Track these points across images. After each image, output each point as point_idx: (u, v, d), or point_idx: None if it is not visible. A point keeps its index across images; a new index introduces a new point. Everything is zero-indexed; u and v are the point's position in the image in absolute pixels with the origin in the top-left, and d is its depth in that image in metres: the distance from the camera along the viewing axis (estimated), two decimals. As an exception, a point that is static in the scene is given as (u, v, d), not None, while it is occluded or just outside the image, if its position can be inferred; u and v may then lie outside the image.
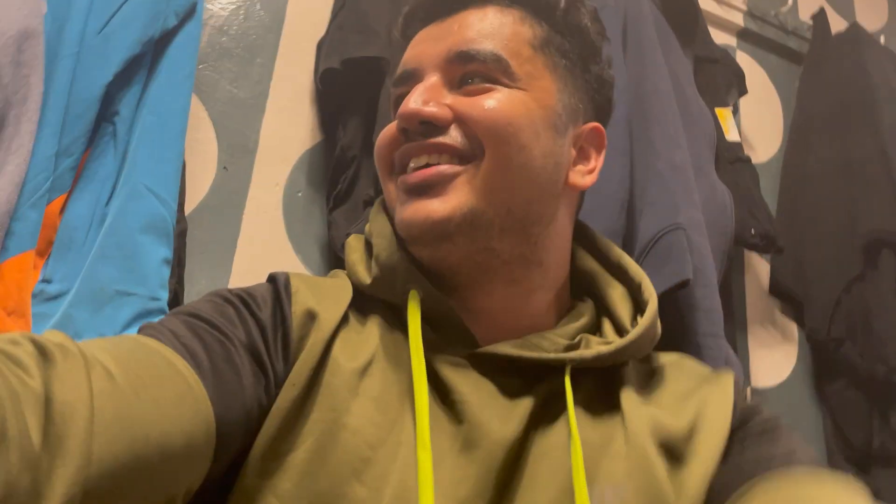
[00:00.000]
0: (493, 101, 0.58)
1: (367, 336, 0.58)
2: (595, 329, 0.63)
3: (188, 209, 1.02)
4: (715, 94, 1.44)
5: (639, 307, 0.63)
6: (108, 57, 0.87)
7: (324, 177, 1.13)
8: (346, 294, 0.60)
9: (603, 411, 0.57)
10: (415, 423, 0.52)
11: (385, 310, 0.60)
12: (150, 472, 0.41)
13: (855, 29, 1.68)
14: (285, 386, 0.52)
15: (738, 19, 1.66)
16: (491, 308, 0.61)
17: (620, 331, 0.62)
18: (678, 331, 1.10)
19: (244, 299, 0.56)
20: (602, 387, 0.59)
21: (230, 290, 0.57)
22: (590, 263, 0.68)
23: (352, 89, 1.09)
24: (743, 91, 1.51)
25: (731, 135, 1.42)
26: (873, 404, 1.40)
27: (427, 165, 0.58)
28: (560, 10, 0.64)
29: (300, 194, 1.12)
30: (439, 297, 0.58)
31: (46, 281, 0.83)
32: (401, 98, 0.62)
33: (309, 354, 0.54)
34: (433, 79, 0.60)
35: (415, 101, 0.57)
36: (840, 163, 1.54)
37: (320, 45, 1.14)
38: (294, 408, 0.52)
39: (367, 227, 0.66)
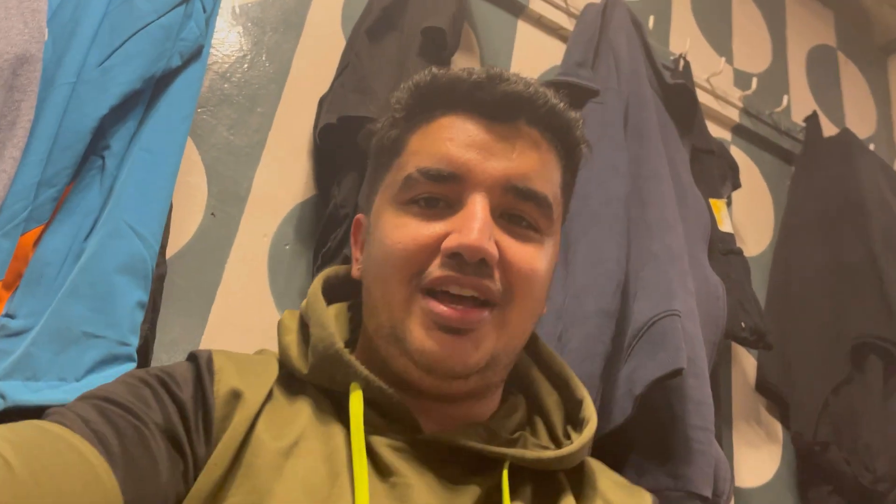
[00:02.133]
0: (536, 257, 0.59)
1: (296, 413, 0.56)
2: (527, 425, 0.65)
3: (170, 252, 0.98)
4: (710, 185, 1.45)
5: (570, 419, 0.65)
6: (105, 90, 0.84)
7: (313, 232, 1.10)
8: (272, 371, 0.60)
9: None
10: None
11: (313, 390, 0.59)
12: None
13: (846, 134, 1.71)
14: (207, 467, 0.51)
15: (734, 115, 1.69)
16: (443, 408, 0.61)
17: (554, 437, 0.64)
18: (666, 421, 1.06)
19: (163, 379, 0.54)
20: (539, 489, 0.59)
21: (148, 371, 0.56)
22: (528, 365, 0.69)
23: (348, 147, 1.08)
24: (737, 184, 1.52)
25: (725, 226, 1.42)
26: (858, 513, 1.36)
27: (467, 296, 0.57)
28: (580, 153, 0.66)
29: (287, 247, 1.08)
30: (386, 393, 0.57)
31: (10, 316, 0.78)
32: (432, 198, 0.59)
33: (233, 434, 0.52)
34: (484, 204, 0.57)
35: (479, 235, 0.55)
36: (830, 266, 1.54)
37: (322, 101, 1.13)
38: (215, 489, 0.50)
39: (302, 305, 0.64)
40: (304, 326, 0.63)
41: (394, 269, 0.58)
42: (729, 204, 1.50)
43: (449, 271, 0.55)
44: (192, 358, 0.59)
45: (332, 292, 0.68)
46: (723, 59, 1.65)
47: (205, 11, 0.97)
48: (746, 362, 1.51)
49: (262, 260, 1.06)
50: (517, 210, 0.59)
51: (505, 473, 0.56)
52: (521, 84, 0.60)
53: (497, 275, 0.56)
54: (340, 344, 0.58)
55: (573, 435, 0.62)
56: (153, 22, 0.89)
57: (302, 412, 0.57)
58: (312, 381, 0.60)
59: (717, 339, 1.25)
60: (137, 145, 0.87)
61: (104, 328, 0.78)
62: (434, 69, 0.64)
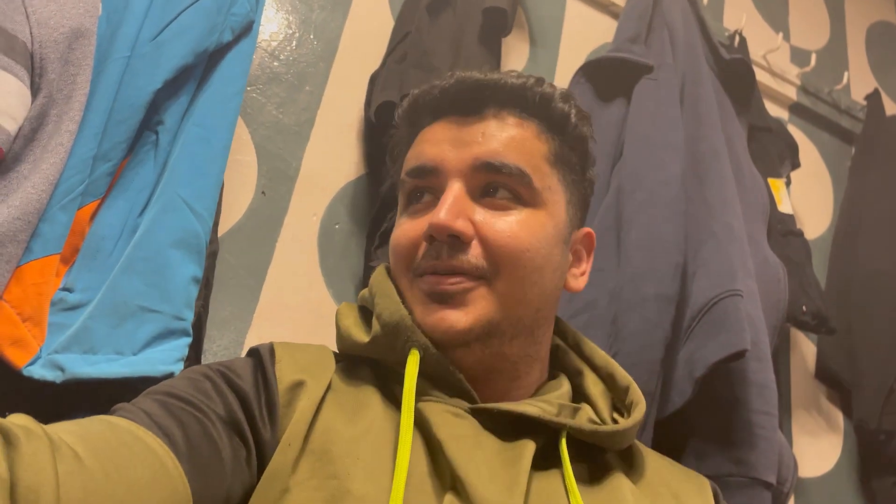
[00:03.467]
0: (515, 226, 0.61)
1: (364, 399, 0.59)
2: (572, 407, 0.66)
3: (221, 231, 0.97)
4: (768, 164, 1.39)
5: (616, 407, 0.67)
6: (158, 64, 0.84)
7: (364, 211, 1.09)
8: (330, 363, 0.62)
9: (596, 486, 0.60)
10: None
11: (378, 374, 0.62)
12: None
13: (911, 112, 1.64)
14: (281, 447, 0.53)
15: (791, 93, 1.63)
16: (488, 392, 0.63)
17: (601, 420, 0.64)
18: (728, 405, 1.02)
19: (223, 372, 0.57)
20: (592, 465, 0.61)
21: (209, 365, 0.58)
22: (573, 359, 0.71)
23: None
24: (796, 164, 1.46)
25: (784, 206, 1.37)
26: (926, 506, 1.30)
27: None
28: (571, 124, 0.67)
29: (338, 227, 1.07)
30: (439, 357, 0.59)
31: (67, 290, 0.78)
32: (417, 190, 0.64)
33: (301, 417, 0.55)
34: (458, 187, 0.61)
35: (446, 214, 0.59)
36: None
37: (374, 78, 1.11)
38: (290, 469, 0.52)
39: (361, 294, 0.68)
40: (363, 311, 0.67)
41: (396, 265, 0.64)
42: (788, 184, 1.45)
43: (430, 258, 0.60)
44: (253, 351, 0.62)
45: None
46: (780, 34, 1.59)
47: (255, -14, 0.96)
48: (806, 348, 1.46)
49: (312, 239, 1.05)
50: (491, 183, 0.62)
51: (563, 442, 0.58)
52: (482, 74, 0.65)
53: (478, 251, 0.59)
54: (405, 311, 0.60)
55: (621, 420, 0.63)
56: (205, -4, 0.88)
57: (371, 398, 0.59)
58: (371, 354, 0.62)
59: (777, 323, 1.20)
60: (190, 120, 0.87)
61: (159, 303, 0.77)
62: (415, 91, 0.68)
